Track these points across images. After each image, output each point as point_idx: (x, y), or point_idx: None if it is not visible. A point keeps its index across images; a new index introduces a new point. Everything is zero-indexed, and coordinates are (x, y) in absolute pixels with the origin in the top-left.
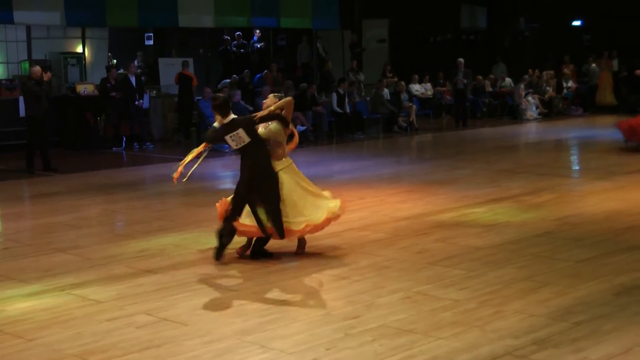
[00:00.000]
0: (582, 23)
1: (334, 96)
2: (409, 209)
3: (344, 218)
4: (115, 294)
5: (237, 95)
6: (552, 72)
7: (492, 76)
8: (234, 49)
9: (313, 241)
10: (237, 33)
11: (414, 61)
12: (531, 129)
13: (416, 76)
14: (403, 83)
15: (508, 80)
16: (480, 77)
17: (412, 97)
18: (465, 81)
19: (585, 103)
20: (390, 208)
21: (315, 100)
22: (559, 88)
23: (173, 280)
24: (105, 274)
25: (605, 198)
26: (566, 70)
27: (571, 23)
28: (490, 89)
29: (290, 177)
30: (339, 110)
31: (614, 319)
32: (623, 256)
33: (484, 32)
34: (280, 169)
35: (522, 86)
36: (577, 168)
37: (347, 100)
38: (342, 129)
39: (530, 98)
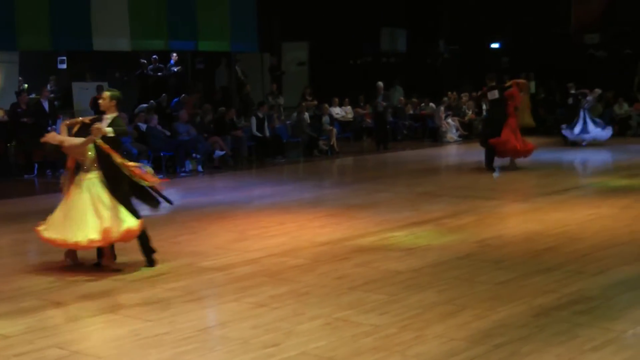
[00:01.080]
0: (500, 45)
1: (254, 120)
2: (329, 233)
3: (263, 244)
4: (24, 328)
5: (154, 119)
6: (467, 94)
7: (414, 99)
8: (151, 72)
9: (230, 268)
10: (154, 57)
11: (334, 84)
12: (451, 152)
13: (336, 99)
14: (327, 106)
15: (431, 105)
16: (402, 99)
17: (332, 120)
18: (385, 104)
19: None
20: (311, 233)
21: (235, 124)
22: (478, 110)
23: (85, 311)
24: (14, 307)
25: (525, 220)
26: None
27: (490, 45)
28: (412, 112)
29: (86, 190)
30: (258, 134)
31: (533, 341)
32: (542, 277)
33: (404, 55)
34: (83, 181)
35: (442, 108)
36: (497, 190)
37: (266, 124)
38: (262, 153)
39: (450, 120)
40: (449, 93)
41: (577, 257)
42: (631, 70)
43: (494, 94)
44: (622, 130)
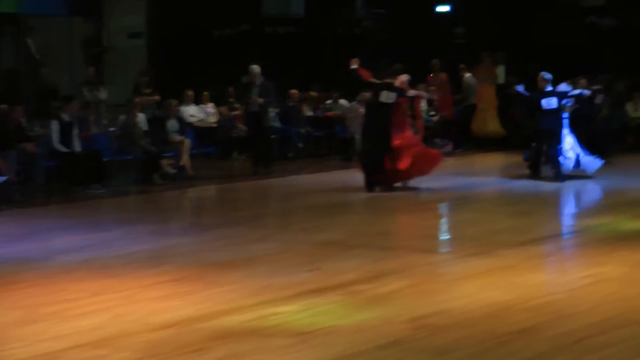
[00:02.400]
0: (451, 9)
1: (55, 126)
2: (174, 309)
3: (67, 328)
4: None
5: None
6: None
7: (313, 93)
8: None
9: None
10: None
11: (188, 69)
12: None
13: (191, 93)
14: (176, 103)
15: (342, 102)
16: (295, 93)
17: (184, 126)
18: (263, 100)
19: (458, 134)
20: (145, 309)
21: (23, 132)
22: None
23: None
24: None
25: (486, 284)
26: (433, 84)
27: (434, 8)
28: (311, 113)
29: None
30: (62, 148)
31: None
32: None
33: (300, 22)
34: None
35: (359, 107)
36: (445, 237)
37: (76, 132)
38: (69, 179)
39: None
40: None
41: (566, 345)
42: None
43: (389, 97)
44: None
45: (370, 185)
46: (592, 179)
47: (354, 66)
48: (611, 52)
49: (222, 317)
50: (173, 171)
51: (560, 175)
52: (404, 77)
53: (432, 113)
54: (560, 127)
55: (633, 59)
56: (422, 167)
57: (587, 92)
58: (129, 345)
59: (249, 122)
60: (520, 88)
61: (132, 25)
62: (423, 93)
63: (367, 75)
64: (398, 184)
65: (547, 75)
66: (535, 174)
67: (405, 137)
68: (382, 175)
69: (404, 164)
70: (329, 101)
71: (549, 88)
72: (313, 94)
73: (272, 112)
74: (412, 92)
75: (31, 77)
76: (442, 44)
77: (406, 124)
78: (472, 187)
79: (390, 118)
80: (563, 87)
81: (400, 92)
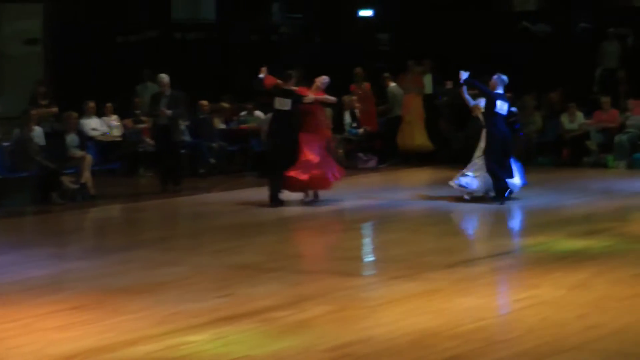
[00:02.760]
0: (374, 13)
1: None
2: (75, 339)
3: None
4: None
5: None
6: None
7: (225, 104)
8: None
9: None
10: None
11: (90, 79)
12: (292, 195)
13: (92, 104)
14: (76, 115)
15: (258, 114)
16: (205, 105)
17: (85, 140)
18: (172, 112)
19: (383, 148)
20: (43, 340)
21: None
22: (339, 124)
23: None
24: None
25: (412, 309)
26: (356, 94)
27: (357, 13)
28: (223, 126)
29: None
30: None
31: None
32: None
33: (211, 28)
34: None
35: None
36: (369, 259)
37: None
38: None
39: None
40: None
41: None
42: (589, 55)
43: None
44: (576, 156)
45: (274, 200)
46: (528, 192)
47: (261, 75)
48: (544, 61)
49: (127, 348)
50: (74, 187)
51: (500, 195)
52: (321, 80)
53: (354, 125)
54: (511, 138)
55: (566, 69)
56: (321, 182)
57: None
58: None
59: (156, 135)
60: (466, 75)
61: (28, 31)
62: (329, 98)
63: (271, 83)
64: (309, 199)
65: (504, 77)
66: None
67: (312, 148)
68: (282, 182)
69: (304, 175)
70: (243, 113)
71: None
72: (225, 105)
73: (182, 125)
74: (310, 98)
75: None
76: (366, 51)
77: (320, 132)
78: (398, 205)
79: (296, 125)
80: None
81: (297, 97)
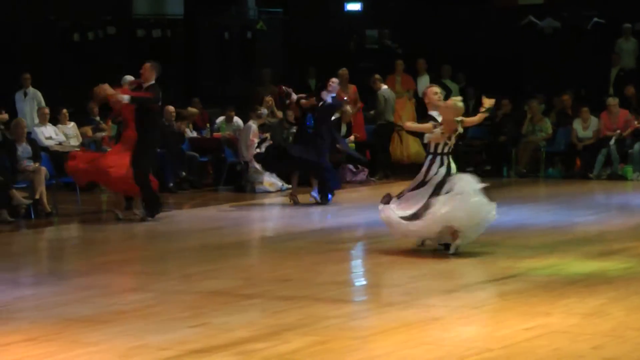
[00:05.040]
0: (362, 8)
1: None
2: None
3: None
4: None
5: None
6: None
7: (193, 109)
8: None
9: None
10: None
11: (45, 79)
12: (272, 212)
13: (46, 110)
14: (24, 122)
15: (236, 121)
16: (171, 110)
17: (38, 151)
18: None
19: (373, 160)
20: None
21: None
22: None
23: None
24: None
25: (407, 340)
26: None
27: (344, 7)
28: (194, 134)
29: None
30: None
31: None
32: None
33: (178, 24)
34: None
35: (253, 127)
36: (358, 284)
37: None
38: None
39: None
40: (268, 98)
41: None
42: (604, 53)
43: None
44: (586, 166)
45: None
46: (535, 206)
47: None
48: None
49: None
50: (27, 202)
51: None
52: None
53: (342, 133)
54: None
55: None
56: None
57: None
58: None
59: None
60: None
61: None
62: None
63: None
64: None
65: None
66: None
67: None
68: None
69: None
70: (219, 119)
71: None
72: (193, 110)
73: None
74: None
75: None
76: (352, 49)
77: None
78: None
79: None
80: None
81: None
